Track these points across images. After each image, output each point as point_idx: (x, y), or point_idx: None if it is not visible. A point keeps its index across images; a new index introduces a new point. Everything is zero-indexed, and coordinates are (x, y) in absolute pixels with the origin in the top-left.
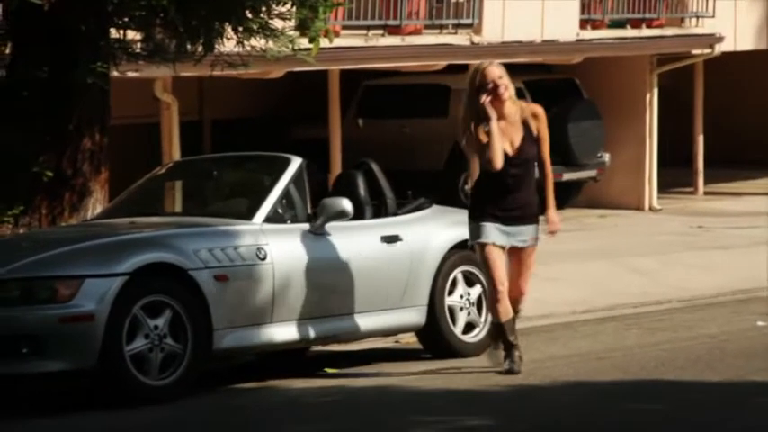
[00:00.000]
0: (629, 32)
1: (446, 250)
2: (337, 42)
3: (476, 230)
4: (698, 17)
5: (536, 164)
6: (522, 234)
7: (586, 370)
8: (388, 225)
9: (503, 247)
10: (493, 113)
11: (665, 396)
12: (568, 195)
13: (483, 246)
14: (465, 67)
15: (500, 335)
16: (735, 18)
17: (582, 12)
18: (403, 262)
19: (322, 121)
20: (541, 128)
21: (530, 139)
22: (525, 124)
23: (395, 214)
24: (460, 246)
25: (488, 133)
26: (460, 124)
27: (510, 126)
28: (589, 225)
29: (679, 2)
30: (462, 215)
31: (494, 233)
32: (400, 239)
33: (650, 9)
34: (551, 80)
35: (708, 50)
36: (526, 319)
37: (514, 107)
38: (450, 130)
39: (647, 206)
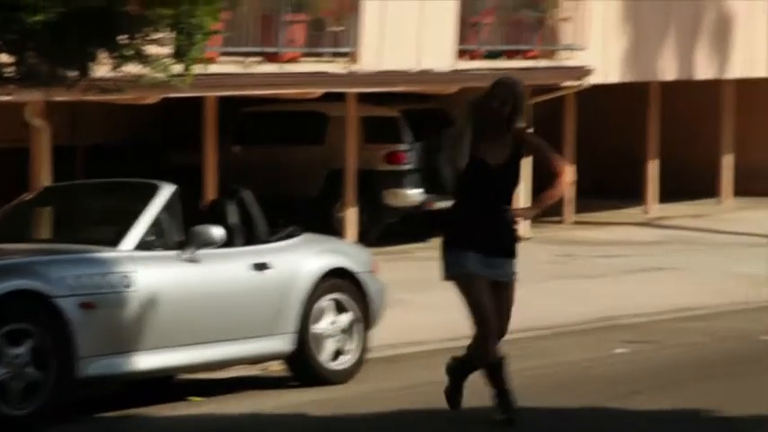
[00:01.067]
0: (505, 63)
1: (316, 278)
2: (215, 69)
3: (448, 258)
4: (570, 50)
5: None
6: (501, 267)
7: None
8: (259, 252)
9: (482, 278)
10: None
11: (525, 421)
12: (438, 224)
13: (459, 276)
14: (342, 96)
15: (496, 377)
16: (604, 51)
17: (458, 42)
18: (272, 289)
19: (198, 147)
20: (530, 141)
21: (515, 155)
22: (513, 145)
23: (266, 242)
24: (331, 273)
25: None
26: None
27: (499, 144)
28: None
29: (552, 34)
30: (332, 243)
31: (466, 262)
32: (270, 267)
33: (525, 40)
34: (427, 110)
35: (578, 82)
36: (392, 347)
37: (506, 134)
38: (326, 157)
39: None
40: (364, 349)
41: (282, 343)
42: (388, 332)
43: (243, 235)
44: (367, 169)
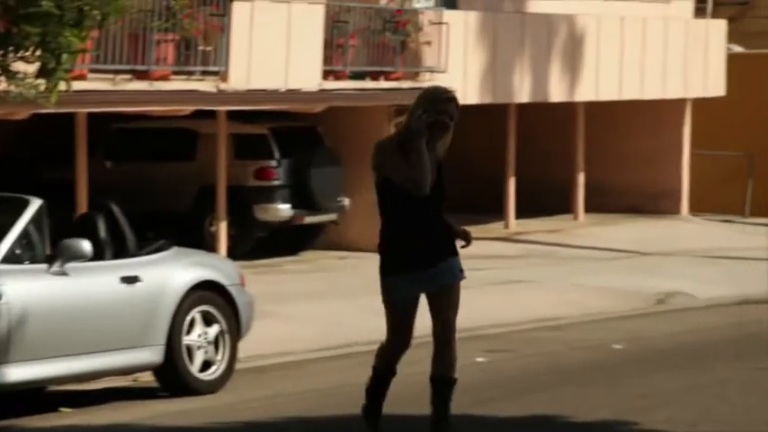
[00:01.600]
0: (369, 84)
1: (185, 291)
2: (85, 86)
3: (384, 286)
4: (431, 71)
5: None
6: (441, 273)
7: (312, 407)
8: (128, 266)
9: (414, 299)
10: (422, 137)
11: (385, 429)
12: (310, 238)
13: (389, 303)
14: (212, 113)
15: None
16: (465, 74)
17: (325, 63)
18: (141, 302)
19: (69, 163)
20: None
21: (439, 171)
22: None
23: (135, 255)
24: (199, 286)
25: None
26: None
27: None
28: (329, 266)
29: (415, 57)
30: (201, 256)
31: (401, 286)
32: (139, 280)
33: (388, 62)
34: (294, 128)
35: None
36: (261, 358)
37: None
38: (197, 173)
39: None
40: (233, 360)
41: (152, 354)
42: (257, 343)
43: (112, 248)
44: (237, 185)
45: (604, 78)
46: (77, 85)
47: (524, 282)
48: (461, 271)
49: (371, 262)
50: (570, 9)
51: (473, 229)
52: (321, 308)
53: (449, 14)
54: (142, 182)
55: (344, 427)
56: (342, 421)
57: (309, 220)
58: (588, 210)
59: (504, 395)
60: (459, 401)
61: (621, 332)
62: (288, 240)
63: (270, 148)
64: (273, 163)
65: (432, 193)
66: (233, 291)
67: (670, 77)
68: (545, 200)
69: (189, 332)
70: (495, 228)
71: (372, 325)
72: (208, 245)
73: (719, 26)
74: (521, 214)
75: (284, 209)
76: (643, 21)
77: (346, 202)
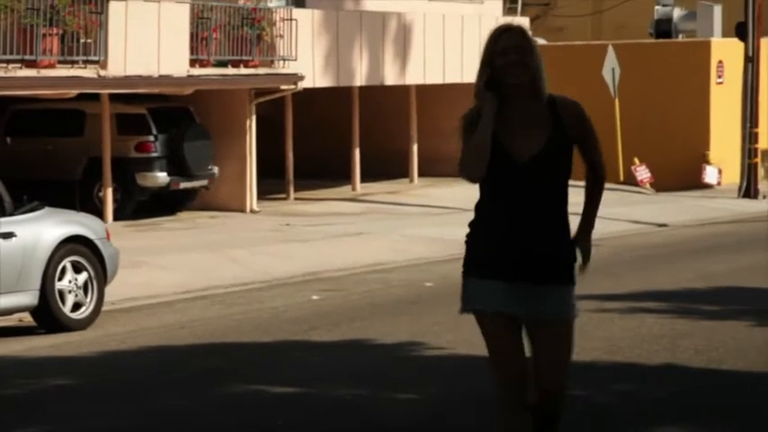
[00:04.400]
0: (231, 71)
1: (56, 244)
2: None
3: (465, 291)
4: (284, 60)
5: (567, 184)
6: (543, 298)
7: (169, 337)
8: (4, 224)
9: (512, 318)
10: (491, 101)
11: (224, 354)
12: (185, 201)
13: (477, 316)
14: (96, 96)
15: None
16: (313, 61)
17: (192, 52)
18: (16, 254)
19: None
20: (581, 127)
21: (561, 143)
22: (558, 126)
23: (11, 215)
24: (69, 240)
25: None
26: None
27: (526, 127)
28: (201, 224)
29: (270, 47)
30: (70, 215)
31: (486, 295)
32: (15, 235)
33: (247, 52)
34: (170, 108)
35: (292, 86)
36: (132, 299)
37: (537, 105)
38: (85, 146)
39: (248, 209)
40: (100, 301)
41: (28, 298)
42: (131, 287)
43: None
44: (120, 157)
45: (430, 65)
46: None
47: (362, 234)
48: (573, 306)
49: (237, 220)
50: (400, 8)
51: (323, 192)
52: (188, 258)
53: (298, 12)
54: (39, 155)
55: (188, 351)
56: (187, 348)
57: (184, 185)
58: (423, 174)
59: (327, 325)
60: (289, 330)
61: (435, 273)
62: (166, 203)
63: (148, 125)
64: (151, 138)
65: (531, 172)
66: (99, 243)
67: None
68: (386, 167)
69: (61, 279)
70: (344, 190)
71: (229, 273)
72: (97, 208)
73: (524, 22)
74: (366, 179)
75: (161, 176)
76: (461, 17)
77: (215, 170)
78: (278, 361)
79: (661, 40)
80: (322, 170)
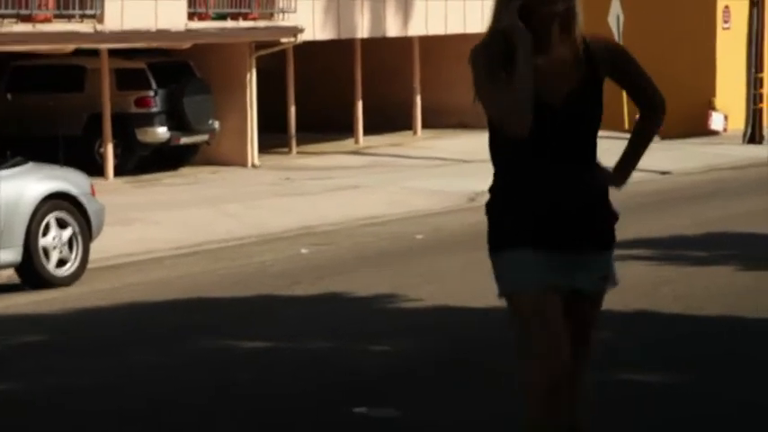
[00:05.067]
0: (230, 24)
1: (39, 200)
2: None
3: (498, 268)
4: (284, 12)
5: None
6: (586, 268)
7: (153, 292)
8: None
9: (554, 292)
10: (526, 35)
11: (203, 309)
12: (187, 156)
13: (512, 297)
14: (95, 52)
15: None
16: (313, 14)
17: (189, 6)
18: None
19: None
20: (620, 58)
21: (593, 83)
22: (590, 64)
23: None
24: (53, 196)
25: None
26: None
27: (558, 65)
28: (201, 179)
29: (268, 0)
30: (54, 170)
31: (532, 269)
32: None
33: (245, 5)
34: (169, 62)
35: (292, 39)
36: (123, 256)
37: (569, 48)
38: (86, 102)
39: (249, 163)
40: (85, 258)
41: (11, 254)
42: (123, 243)
43: None
44: (121, 112)
45: (432, 16)
46: None
47: (361, 187)
48: (609, 278)
49: (237, 175)
50: None
51: (326, 145)
52: (183, 214)
53: None
54: (40, 111)
55: (168, 307)
56: (168, 304)
57: (185, 140)
58: (427, 126)
59: (311, 278)
60: (272, 285)
61: (429, 225)
62: (168, 158)
63: (148, 80)
64: (151, 93)
65: (566, 117)
66: (83, 199)
67: (487, 13)
68: (390, 119)
69: (44, 235)
70: (347, 143)
71: (223, 228)
72: (98, 164)
73: None
74: (370, 132)
75: (162, 131)
76: None
77: (216, 124)
78: (256, 316)
79: None
80: (325, 124)
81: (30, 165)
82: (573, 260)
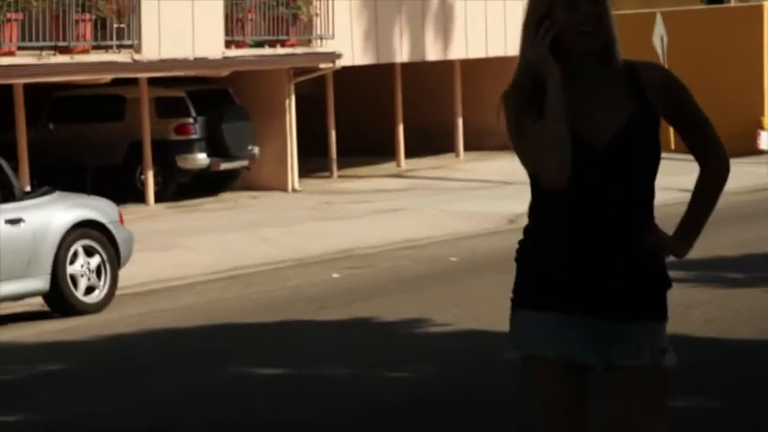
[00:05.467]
0: (268, 51)
1: (66, 228)
2: (13, 60)
3: (514, 327)
4: (321, 38)
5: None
6: (624, 338)
7: (181, 318)
8: (13, 210)
9: (572, 366)
10: (555, 68)
11: (228, 335)
12: (227, 181)
13: (525, 361)
14: (134, 81)
15: None
16: (352, 39)
17: (227, 34)
18: (25, 240)
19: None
20: (674, 96)
21: (645, 120)
22: (640, 97)
23: (21, 200)
24: (81, 224)
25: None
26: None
27: (600, 100)
28: (241, 204)
29: (307, 26)
30: (82, 198)
31: (543, 333)
32: (23, 221)
33: (283, 32)
34: (208, 90)
35: (330, 65)
36: (159, 281)
37: (611, 79)
38: (126, 131)
39: (290, 188)
40: (114, 285)
41: (39, 283)
42: (159, 270)
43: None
44: (161, 140)
45: (472, 39)
46: (7, 61)
47: (401, 210)
48: (664, 352)
49: (278, 199)
50: None
51: (368, 169)
52: (221, 239)
53: None
54: (81, 140)
55: (193, 334)
56: (194, 330)
57: (224, 166)
58: (469, 149)
59: (340, 303)
60: (300, 309)
61: (465, 248)
62: (208, 184)
63: (187, 108)
64: (191, 120)
65: (611, 161)
66: (111, 227)
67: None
68: (433, 142)
69: (72, 263)
70: (389, 167)
71: (259, 251)
72: (138, 191)
73: None
74: (413, 155)
75: (201, 158)
76: None
77: (256, 150)
78: (281, 341)
79: (712, 6)
80: (367, 148)
81: (57, 194)
82: (609, 329)
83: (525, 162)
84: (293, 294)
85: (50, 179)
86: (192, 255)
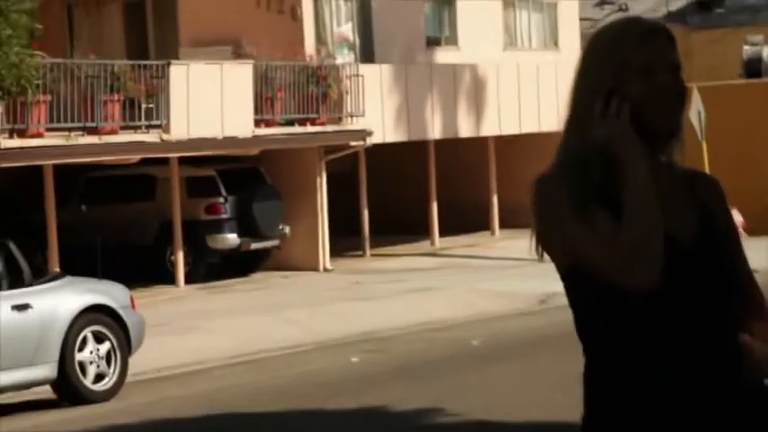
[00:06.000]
0: (298, 129)
1: (75, 314)
2: (42, 142)
3: None
4: (352, 116)
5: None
6: None
7: (188, 407)
8: (21, 295)
9: None
10: (640, 148)
11: (229, 426)
12: (258, 261)
13: None
14: (164, 161)
15: None
16: (383, 116)
17: (257, 112)
18: (32, 326)
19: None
20: (720, 219)
21: (710, 226)
22: (701, 203)
23: (29, 285)
24: (90, 309)
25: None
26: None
27: (667, 189)
28: (272, 285)
29: (336, 104)
30: (92, 283)
31: None
32: (30, 307)
33: (313, 110)
34: (239, 168)
35: (361, 143)
36: (172, 368)
37: (670, 169)
38: (156, 211)
39: (321, 267)
40: (124, 371)
41: (45, 371)
42: (175, 354)
43: (8, 281)
44: (191, 219)
45: (505, 116)
46: (36, 142)
47: (431, 290)
48: None
49: (308, 279)
50: (473, 59)
51: (401, 247)
52: (245, 321)
53: (365, 68)
54: (113, 221)
55: (196, 424)
56: (198, 420)
57: (255, 246)
58: (505, 226)
59: (353, 390)
60: (312, 396)
61: (489, 330)
62: (239, 264)
63: (217, 187)
64: (221, 199)
65: (689, 267)
66: (122, 312)
67: (558, 111)
68: (468, 219)
69: (81, 349)
70: (423, 245)
71: (282, 334)
72: (168, 272)
73: None
74: (448, 233)
75: (232, 238)
76: (536, 66)
77: (287, 229)
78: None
79: (749, 80)
80: (401, 226)
81: (67, 278)
82: None
83: (591, 265)
84: (308, 380)
85: (83, 260)
86: (212, 338)
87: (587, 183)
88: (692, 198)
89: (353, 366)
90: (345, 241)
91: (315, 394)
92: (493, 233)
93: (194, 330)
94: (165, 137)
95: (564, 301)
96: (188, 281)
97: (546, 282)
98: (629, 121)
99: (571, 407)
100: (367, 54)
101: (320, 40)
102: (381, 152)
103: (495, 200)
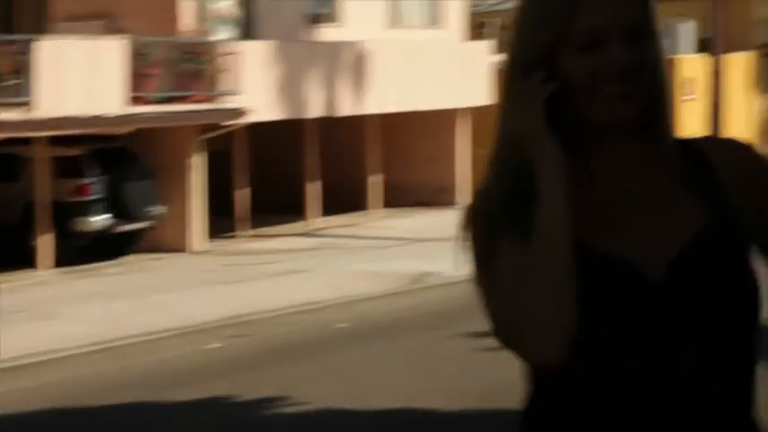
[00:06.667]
0: (172, 107)
1: None
2: None
3: None
4: (228, 94)
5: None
6: None
7: (24, 401)
8: None
9: None
10: (552, 148)
11: (66, 420)
12: (130, 243)
13: None
14: (27, 140)
15: None
16: (263, 95)
17: (132, 90)
18: None
19: None
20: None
21: (721, 234)
22: (711, 196)
23: None
24: None
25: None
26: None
27: (640, 199)
28: (143, 268)
29: (213, 82)
30: None
31: None
32: None
33: (189, 88)
34: (109, 148)
35: (236, 121)
36: (30, 356)
37: (660, 157)
38: (23, 191)
39: (196, 249)
40: None
41: None
42: (33, 341)
43: None
44: (60, 200)
45: (388, 94)
46: None
47: (303, 271)
48: None
49: (181, 261)
50: (356, 36)
51: (279, 228)
52: (107, 307)
53: (245, 45)
54: None
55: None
56: (28, 416)
57: (126, 228)
58: (387, 205)
59: (205, 378)
60: (158, 386)
61: (357, 312)
62: (110, 246)
63: (86, 167)
64: (90, 180)
65: (673, 299)
66: None
67: (442, 90)
68: (345, 199)
69: None
70: (300, 225)
71: (145, 319)
72: (31, 252)
73: (483, 47)
74: (324, 212)
75: (101, 219)
76: (419, 45)
77: (161, 210)
78: (121, 425)
79: None
80: (284, 206)
81: None
82: None
83: (492, 319)
84: (160, 369)
85: None
86: (71, 325)
87: (500, 204)
88: (697, 183)
89: (213, 353)
90: (224, 222)
91: (162, 384)
92: (369, 213)
93: (54, 317)
94: (30, 115)
95: (435, 280)
96: (57, 264)
97: (419, 261)
98: (546, 110)
99: (422, 392)
100: (249, 31)
101: (198, 15)
102: (264, 131)
103: (376, 179)
